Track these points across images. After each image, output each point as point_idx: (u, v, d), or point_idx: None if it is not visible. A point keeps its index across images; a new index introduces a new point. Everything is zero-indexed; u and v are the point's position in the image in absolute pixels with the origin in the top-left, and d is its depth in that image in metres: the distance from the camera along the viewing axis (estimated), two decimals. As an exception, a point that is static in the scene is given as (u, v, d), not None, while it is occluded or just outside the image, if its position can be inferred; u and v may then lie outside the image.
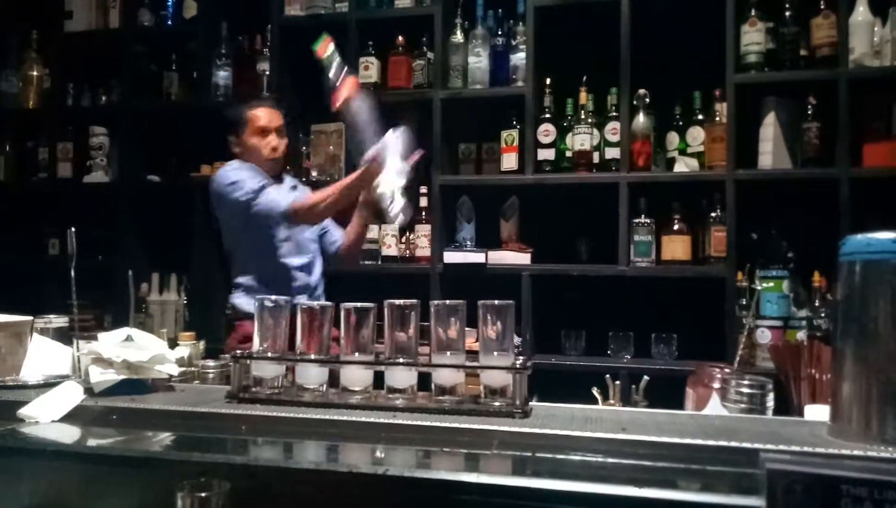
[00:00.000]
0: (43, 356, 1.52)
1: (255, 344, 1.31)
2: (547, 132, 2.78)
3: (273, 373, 1.30)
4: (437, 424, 1.12)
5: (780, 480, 0.73)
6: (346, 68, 2.17)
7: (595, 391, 1.72)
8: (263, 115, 2.38)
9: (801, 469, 0.73)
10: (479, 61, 2.86)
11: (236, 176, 2.27)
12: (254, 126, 2.36)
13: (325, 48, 2.11)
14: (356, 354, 1.27)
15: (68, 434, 1.18)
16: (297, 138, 3.16)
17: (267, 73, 3.13)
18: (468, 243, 2.93)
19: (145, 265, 3.26)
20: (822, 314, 2.39)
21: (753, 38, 2.57)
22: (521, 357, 1.23)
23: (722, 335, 2.51)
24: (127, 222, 3.30)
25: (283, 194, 2.29)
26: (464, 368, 1.24)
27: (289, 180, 2.47)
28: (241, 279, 2.34)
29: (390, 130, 2.06)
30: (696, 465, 0.97)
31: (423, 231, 2.89)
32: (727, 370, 1.51)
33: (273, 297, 1.32)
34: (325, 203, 2.19)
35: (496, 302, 1.23)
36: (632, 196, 2.66)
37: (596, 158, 2.77)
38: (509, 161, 2.85)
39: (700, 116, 2.72)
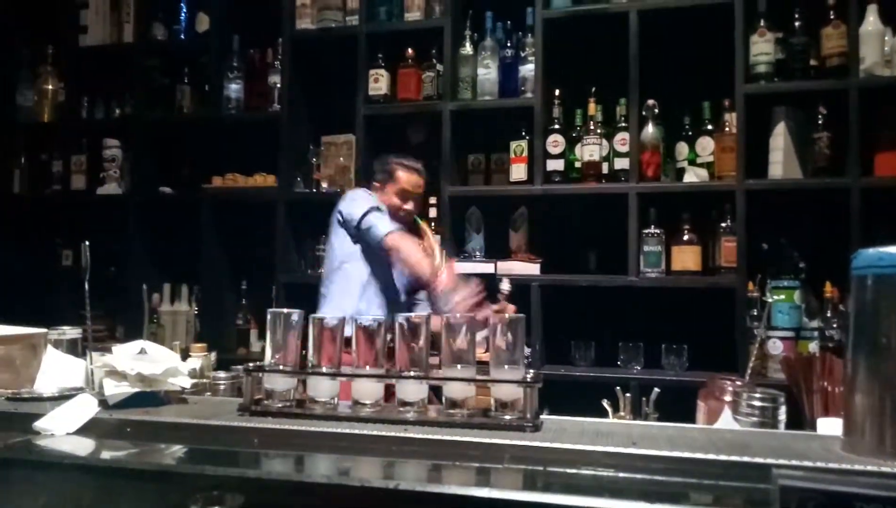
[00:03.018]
0: (57, 368, 1.53)
1: (267, 356, 1.32)
2: (556, 143, 2.79)
3: (285, 386, 1.31)
4: (448, 438, 1.12)
5: (793, 497, 0.73)
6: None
7: (605, 403, 1.72)
8: (411, 178, 2.52)
9: (814, 485, 0.73)
10: (488, 73, 2.87)
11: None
12: (398, 186, 2.50)
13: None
14: (367, 367, 1.28)
15: (83, 447, 1.19)
16: (308, 150, 3.19)
17: (278, 85, 3.16)
18: (477, 253, 2.94)
19: (157, 276, 3.28)
20: (834, 325, 2.37)
21: (763, 48, 2.57)
22: (531, 370, 1.23)
23: (733, 345, 2.49)
24: (139, 233, 3.34)
25: (387, 223, 2.36)
26: (475, 381, 1.24)
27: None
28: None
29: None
30: (708, 480, 0.97)
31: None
32: (739, 383, 1.51)
33: (285, 310, 1.33)
34: (407, 259, 2.28)
35: (507, 316, 1.23)
36: (641, 207, 2.66)
37: (605, 168, 2.77)
38: (518, 172, 2.86)
39: (709, 126, 2.72)
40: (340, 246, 2.45)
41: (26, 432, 1.22)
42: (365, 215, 2.35)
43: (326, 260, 2.54)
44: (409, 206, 2.52)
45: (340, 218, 2.44)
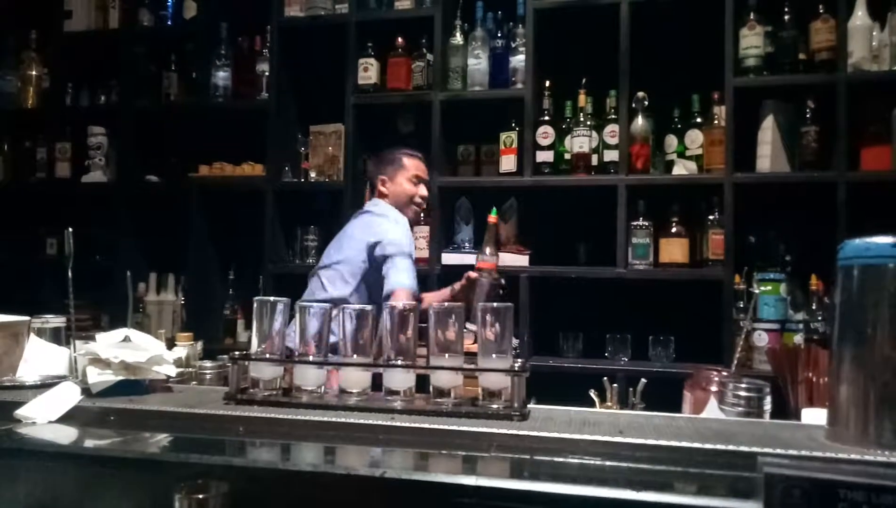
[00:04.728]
0: (40, 356, 1.51)
1: (253, 345, 1.31)
2: (546, 134, 2.79)
3: (271, 374, 1.30)
4: (435, 426, 1.11)
5: (778, 484, 0.73)
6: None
7: (592, 394, 1.72)
8: (418, 164, 2.52)
9: (798, 473, 0.73)
10: (478, 63, 2.86)
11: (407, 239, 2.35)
12: (408, 173, 2.48)
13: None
14: (355, 356, 1.27)
15: (65, 435, 1.18)
16: (297, 140, 3.17)
17: (266, 73, 3.13)
18: (466, 244, 2.93)
19: (143, 265, 3.25)
20: (819, 318, 2.40)
21: (752, 41, 2.58)
22: (519, 360, 1.23)
23: (719, 337, 2.51)
24: (125, 222, 3.30)
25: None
26: (462, 370, 1.23)
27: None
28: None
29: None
30: (694, 468, 0.97)
31: (422, 232, 2.89)
32: (725, 374, 1.51)
33: (272, 298, 1.32)
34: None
35: (495, 304, 1.23)
36: (630, 199, 2.66)
37: (594, 160, 2.77)
38: (508, 163, 2.85)
39: (699, 119, 2.72)
40: (355, 264, 2.35)
41: (8, 420, 1.20)
42: (401, 252, 2.27)
43: (336, 265, 2.38)
44: (424, 191, 2.53)
45: (371, 241, 2.31)
